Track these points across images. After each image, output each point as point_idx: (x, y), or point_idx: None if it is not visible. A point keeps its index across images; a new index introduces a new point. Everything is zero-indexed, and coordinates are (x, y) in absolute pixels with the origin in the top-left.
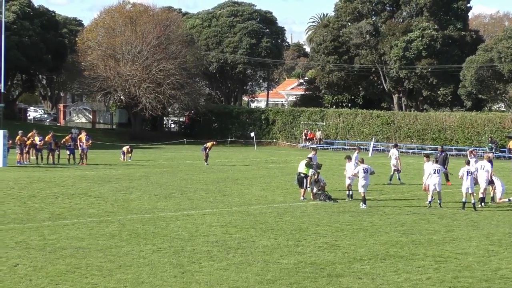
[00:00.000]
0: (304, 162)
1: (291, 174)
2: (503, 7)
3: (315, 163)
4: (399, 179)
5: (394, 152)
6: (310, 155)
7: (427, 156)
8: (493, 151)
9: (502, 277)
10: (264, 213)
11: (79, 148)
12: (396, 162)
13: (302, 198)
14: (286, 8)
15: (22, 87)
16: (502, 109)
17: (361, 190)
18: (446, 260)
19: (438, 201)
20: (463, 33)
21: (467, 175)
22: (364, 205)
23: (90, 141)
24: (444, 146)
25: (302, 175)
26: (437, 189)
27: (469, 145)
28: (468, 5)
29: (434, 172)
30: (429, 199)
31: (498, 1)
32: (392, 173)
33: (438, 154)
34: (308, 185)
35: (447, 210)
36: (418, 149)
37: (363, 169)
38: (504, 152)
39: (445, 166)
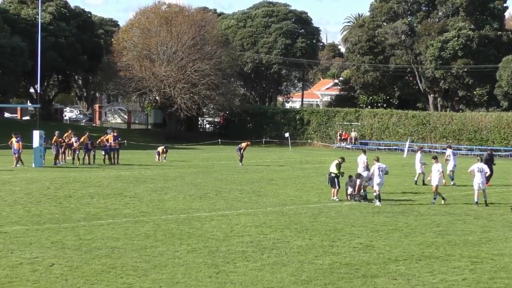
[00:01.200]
0: (336, 162)
1: (325, 174)
2: None
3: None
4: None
5: (418, 156)
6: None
7: (435, 157)
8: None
9: None
10: (299, 213)
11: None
12: (421, 165)
13: (334, 198)
14: (321, 8)
15: (58, 87)
16: None
17: (376, 188)
18: (482, 261)
19: (484, 199)
20: (500, 33)
21: (478, 171)
22: (379, 203)
23: (117, 141)
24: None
25: (333, 175)
26: (482, 188)
27: (506, 146)
28: (505, 5)
29: (478, 171)
30: (476, 199)
31: None
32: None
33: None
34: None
35: (483, 211)
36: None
37: (378, 168)
38: None
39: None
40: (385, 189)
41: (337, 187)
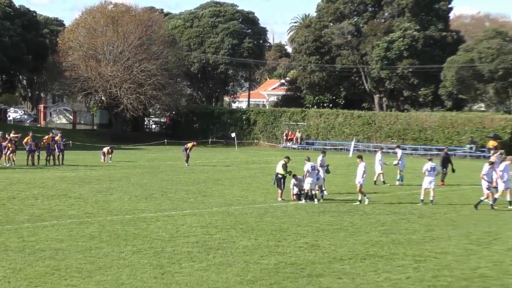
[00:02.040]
0: (282, 162)
1: (272, 174)
2: (484, 8)
3: (326, 165)
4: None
5: (378, 156)
6: (320, 157)
7: (360, 157)
8: (473, 150)
9: (481, 276)
10: (245, 213)
11: (57, 149)
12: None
13: (280, 199)
14: (268, 8)
15: (2, 87)
16: (482, 109)
17: (306, 187)
18: (426, 259)
19: (431, 199)
20: (444, 33)
21: (429, 171)
22: (304, 201)
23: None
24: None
25: (280, 175)
26: (431, 187)
27: (450, 145)
28: (450, 5)
29: (429, 170)
30: (422, 197)
31: (479, 2)
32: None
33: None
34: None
35: (427, 210)
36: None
37: (311, 167)
38: (484, 152)
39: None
40: (331, 188)
41: (282, 188)
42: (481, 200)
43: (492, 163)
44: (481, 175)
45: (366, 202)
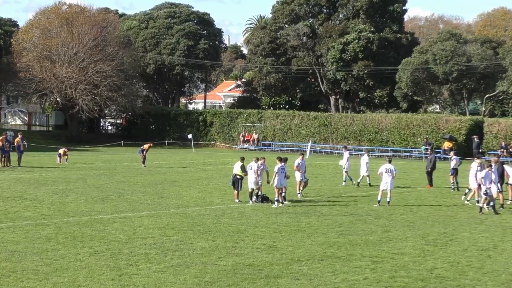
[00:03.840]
0: (239, 164)
1: (228, 175)
2: (438, 10)
3: (303, 169)
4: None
5: (345, 155)
6: (298, 160)
7: (280, 158)
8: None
9: (438, 277)
10: (202, 215)
11: (17, 151)
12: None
13: (237, 200)
14: (224, 10)
15: None
16: (437, 110)
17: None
18: (383, 260)
19: (388, 200)
20: (399, 35)
21: (385, 172)
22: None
23: (25, 143)
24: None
25: (238, 177)
26: (388, 188)
27: (405, 147)
28: (404, 8)
29: (386, 172)
30: (379, 198)
31: (433, 4)
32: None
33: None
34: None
35: (384, 211)
36: (355, 151)
37: (280, 168)
38: (439, 153)
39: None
40: (288, 190)
41: (239, 189)
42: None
43: (490, 166)
44: (479, 179)
45: (281, 205)
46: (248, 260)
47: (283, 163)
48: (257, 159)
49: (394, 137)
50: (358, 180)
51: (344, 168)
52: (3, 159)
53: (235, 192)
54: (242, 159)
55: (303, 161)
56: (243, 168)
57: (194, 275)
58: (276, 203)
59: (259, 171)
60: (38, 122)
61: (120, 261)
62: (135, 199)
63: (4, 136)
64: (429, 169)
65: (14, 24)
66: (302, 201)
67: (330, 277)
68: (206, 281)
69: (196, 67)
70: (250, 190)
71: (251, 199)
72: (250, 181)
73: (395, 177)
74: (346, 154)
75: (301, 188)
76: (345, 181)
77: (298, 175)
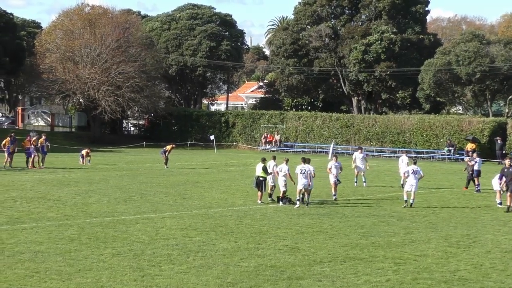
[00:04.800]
0: (262, 165)
1: (251, 177)
2: (461, 11)
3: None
4: (364, 181)
5: (359, 156)
6: (331, 162)
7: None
8: (451, 153)
9: (461, 279)
10: (224, 216)
11: (41, 151)
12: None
13: (259, 201)
14: (246, 11)
15: None
16: (460, 111)
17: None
18: (405, 262)
19: (411, 201)
20: (422, 36)
21: (411, 173)
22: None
23: (48, 143)
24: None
25: (261, 178)
26: (413, 190)
27: (428, 148)
28: (426, 8)
29: (412, 173)
30: (405, 197)
31: (456, 5)
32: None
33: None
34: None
35: (406, 212)
36: (377, 152)
37: (300, 169)
38: (462, 154)
39: None
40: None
41: (263, 190)
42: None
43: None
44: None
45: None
46: (270, 262)
47: (303, 163)
48: (287, 161)
49: (417, 139)
50: (402, 182)
51: (361, 170)
52: (27, 160)
53: (259, 193)
54: (263, 160)
55: (337, 163)
56: (265, 169)
57: (216, 276)
58: (297, 203)
59: (289, 173)
60: (61, 123)
61: (143, 262)
62: (157, 200)
63: (28, 139)
64: (470, 173)
65: (37, 25)
66: (324, 202)
67: (353, 279)
68: (228, 282)
69: (218, 68)
70: (282, 193)
71: (281, 200)
72: (281, 184)
73: (421, 178)
74: (360, 155)
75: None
76: (365, 182)
77: (331, 177)
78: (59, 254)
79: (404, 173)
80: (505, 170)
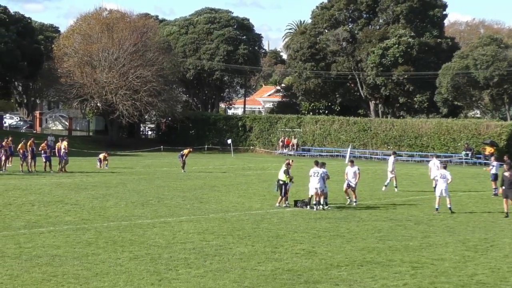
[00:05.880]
0: (284, 169)
1: (268, 181)
2: (479, 15)
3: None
4: (395, 186)
5: (391, 160)
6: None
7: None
8: (469, 157)
9: (478, 283)
10: (241, 220)
11: (58, 156)
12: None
13: (277, 204)
14: (263, 15)
15: None
16: (478, 115)
17: (312, 191)
18: (423, 266)
19: (448, 206)
20: (439, 40)
21: (440, 178)
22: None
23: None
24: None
25: (281, 182)
26: (444, 194)
27: (445, 152)
28: (444, 12)
29: (441, 177)
30: (436, 205)
31: (474, 9)
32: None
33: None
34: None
35: (424, 216)
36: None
37: (313, 173)
38: (480, 158)
39: None
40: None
41: (283, 195)
42: None
43: None
44: None
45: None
46: (287, 265)
47: (317, 167)
48: (322, 164)
49: (434, 143)
50: (434, 185)
51: (392, 173)
52: (44, 164)
53: (279, 197)
54: (287, 164)
55: (353, 167)
56: (286, 173)
57: (234, 280)
58: (315, 207)
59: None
60: (78, 127)
61: (160, 265)
62: (174, 204)
63: (46, 143)
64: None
65: (55, 30)
66: (342, 206)
67: (370, 283)
68: (246, 286)
69: (236, 72)
70: (309, 197)
71: (316, 205)
72: (314, 186)
73: (449, 182)
74: (393, 159)
75: (354, 195)
76: (396, 187)
77: (345, 182)
78: (77, 258)
79: (434, 178)
80: (504, 175)
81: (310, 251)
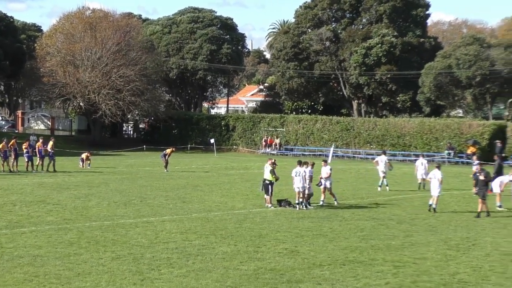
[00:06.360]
0: (269, 168)
1: (251, 180)
2: (462, 15)
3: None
4: (387, 185)
5: (383, 159)
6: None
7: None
8: (451, 156)
9: (460, 281)
10: (224, 219)
11: (49, 156)
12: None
13: (268, 205)
14: (247, 14)
15: None
16: (460, 115)
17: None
18: (405, 265)
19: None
20: (422, 40)
21: (433, 178)
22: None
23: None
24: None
25: (267, 181)
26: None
27: (428, 151)
28: (427, 12)
29: (434, 177)
30: (430, 201)
31: (456, 9)
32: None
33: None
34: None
35: (406, 215)
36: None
37: (295, 172)
38: (462, 157)
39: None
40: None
41: (270, 194)
42: None
43: None
44: None
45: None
46: (269, 265)
47: (298, 166)
48: (306, 164)
49: (417, 142)
50: (419, 183)
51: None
52: (26, 164)
53: (266, 197)
54: (273, 163)
55: (325, 167)
56: (272, 173)
57: (216, 279)
58: (297, 206)
59: (307, 176)
60: (61, 126)
61: (142, 265)
62: (157, 203)
63: (28, 142)
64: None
65: (38, 29)
66: (325, 206)
67: (352, 282)
68: (228, 285)
69: (219, 71)
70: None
71: (299, 204)
72: (297, 186)
73: (441, 182)
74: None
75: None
76: (380, 186)
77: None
78: (58, 258)
79: (428, 178)
80: (476, 175)
81: (293, 251)
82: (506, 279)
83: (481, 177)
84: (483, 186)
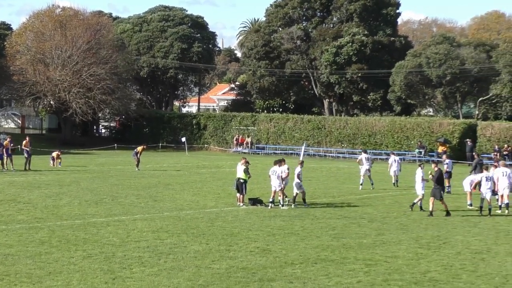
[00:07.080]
0: (243, 167)
1: (222, 179)
2: (432, 14)
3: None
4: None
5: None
6: (298, 169)
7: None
8: (422, 155)
9: (431, 280)
10: (196, 218)
11: (5, 154)
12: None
13: (241, 204)
14: (217, 13)
15: None
16: (431, 113)
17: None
18: (376, 263)
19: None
20: (393, 38)
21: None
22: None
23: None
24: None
25: (242, 180)
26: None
27: (399, 150)
28: (397, 11)
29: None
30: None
31: (426, 8)
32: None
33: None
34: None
35: (378, 214)
36: (348, 154)
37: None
38: (433, 156)
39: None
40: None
41: (244, 193)
42: None
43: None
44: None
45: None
46: (241, 264)
47: (275, 166)
48: (282, 163)
49: (388, 140)
50: (393, 181)
51: (365, 172)
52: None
53: (239, 195)
54: (246, 162)
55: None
56: (246, 172)
57: (188, 278)
58: (269, 205)
59: (283, 175)
60: (31, 125)
61: (114, 264)
62: (128, 202)
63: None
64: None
65: (7, 27)
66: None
67: (324, 280)
68: (200, 284)
69: (190, 70)
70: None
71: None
72: (274, 185)
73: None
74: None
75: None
76: (361, 184)
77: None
78: (29, 257)
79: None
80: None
81: (265, 249)
82: (477, 277)
83: (430, 176)
84: (437, 185)
